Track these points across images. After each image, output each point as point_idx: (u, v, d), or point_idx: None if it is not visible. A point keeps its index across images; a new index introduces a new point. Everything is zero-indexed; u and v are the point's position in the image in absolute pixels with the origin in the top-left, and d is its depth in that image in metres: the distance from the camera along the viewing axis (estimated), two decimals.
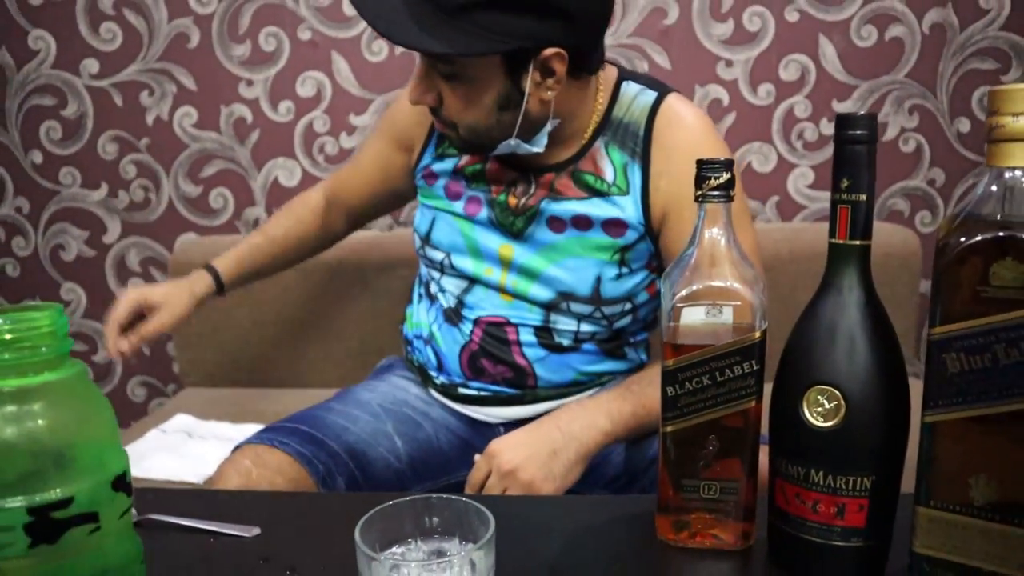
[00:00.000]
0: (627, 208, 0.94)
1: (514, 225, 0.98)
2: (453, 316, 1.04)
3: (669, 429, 0.57)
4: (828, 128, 1.72)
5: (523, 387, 1.02)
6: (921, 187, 1.75)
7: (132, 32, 1.75)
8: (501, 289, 1.00)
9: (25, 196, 1.85)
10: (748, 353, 0.55)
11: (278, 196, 1.79)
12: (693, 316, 0.56)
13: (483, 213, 1.00)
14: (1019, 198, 0.47)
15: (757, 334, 0.55)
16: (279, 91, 1.75)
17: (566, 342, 1.00)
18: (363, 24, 1.71)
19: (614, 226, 0.95)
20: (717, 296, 0.56)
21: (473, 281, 1.02)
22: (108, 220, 1.84)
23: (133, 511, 0.39)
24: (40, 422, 0.34)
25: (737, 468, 0.58)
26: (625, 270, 0.96)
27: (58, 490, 0.34)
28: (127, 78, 1.77)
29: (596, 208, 0.94)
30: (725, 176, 0.56)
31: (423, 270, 1.12)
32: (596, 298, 0.97)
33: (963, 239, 0.47)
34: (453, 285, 1.04)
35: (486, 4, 0.77)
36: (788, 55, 1.69)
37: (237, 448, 0.89)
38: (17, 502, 0.33)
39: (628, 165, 0.94)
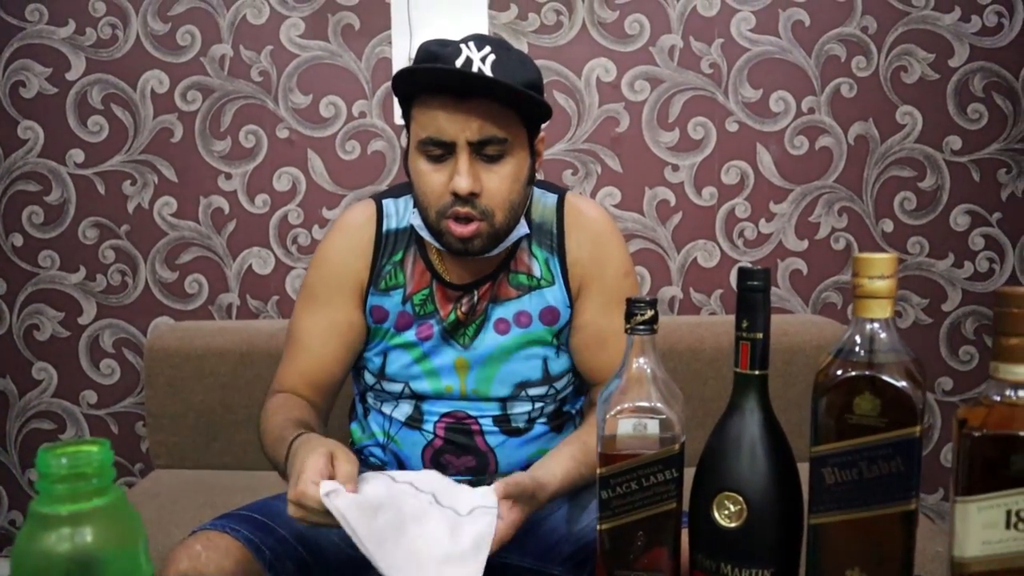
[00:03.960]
0: (556, 295, 1.07)
1: (465, 336, 1.06)
2: (412, 422, 1.09)
3: (604, 527, 0.67)
4: (766, 227, 1.87)
5: (484, 472, 1.09)
6: (852, 281, 1.90)
7: (119, 125, 1.85)
8: (462, 397, 1.08)
9: (2, 277, 1.91)
10: (669, 462, 0.65)
11: (252, 283, 1.88)
12: (623, 429, 0.66)
13: (435, 336, 1.06)
14: (877, 344, 0.58)
15: (677, 446, 0.65)
16: (256, 184, 1.86)
17: (522, 424, 1.09)
18: (338, 124, 1.84)
19: (548, 314, 1.07)
20: (644, 413, 0.66)
21: (432, 397, 1.09)
22: (84, 302, 1.90)
23: None
24: (88, 540, 0.43)
25: (662, 560, 0.67)
26: (563, 347, 1.09)
27: None
28: (111, 168, 1.86)
29: (531, 302, 1.07)
30: (650, 312, 0.67)
31: (370, 396, 1.14)
32: (547, 378, 1.08)
33: (836, 374, 0.59)
34: (409, 404, 1.09)
35: (537, 86, 0.98)
36: (729, 161, 1.86)
37: (192, 533, 0.95)
38: None
39: (549, 259, 1.08)
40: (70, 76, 1.84)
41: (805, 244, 1.88)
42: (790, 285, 1.89)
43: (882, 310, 0.59)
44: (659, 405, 0.66)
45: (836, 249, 1.89)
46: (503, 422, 1.09)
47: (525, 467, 1.10)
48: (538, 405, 1.10)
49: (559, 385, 1.10)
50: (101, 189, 1.87)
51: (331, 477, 0.79)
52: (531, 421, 1.10)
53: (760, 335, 0.64)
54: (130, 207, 1.87)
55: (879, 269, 0.59)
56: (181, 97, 1.84)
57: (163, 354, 1.67)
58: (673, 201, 1.86)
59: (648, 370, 0.67)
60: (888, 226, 1.88)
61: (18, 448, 1.95)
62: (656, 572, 0.67)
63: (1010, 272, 1.89)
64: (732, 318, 1.79)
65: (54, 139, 1.86)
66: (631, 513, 0.66)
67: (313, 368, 1.08)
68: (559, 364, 1.09)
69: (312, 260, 1.12)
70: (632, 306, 0.67)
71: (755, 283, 0.64)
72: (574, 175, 1.85)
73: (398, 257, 1.07)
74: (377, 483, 0.83)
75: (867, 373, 0.57)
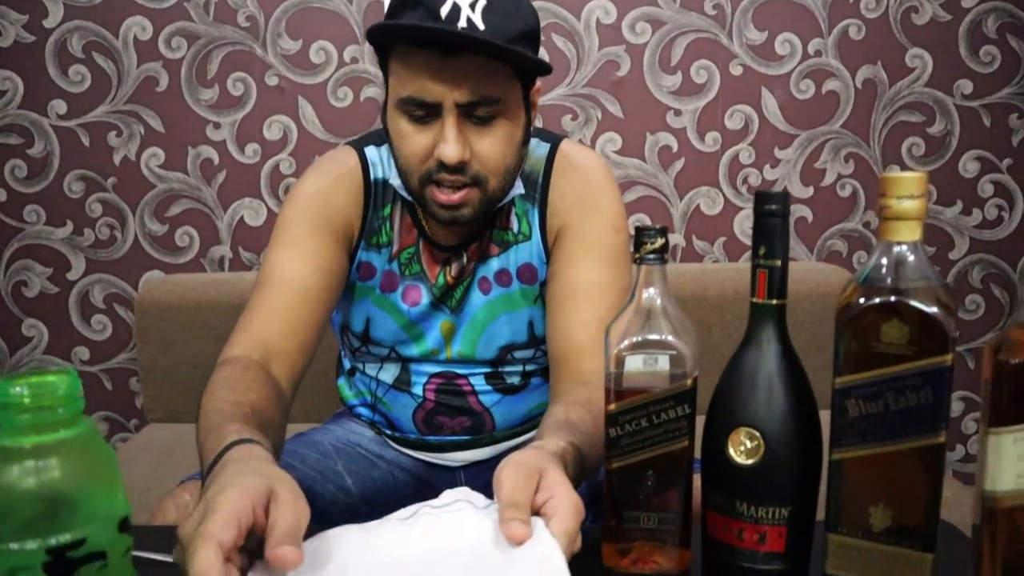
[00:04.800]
0: (532, 250, 0.98)
1: (453, 299, 1.00)
2: (400, 385, 1.05)
3: (612, 466, 0.64)
4: (771, 173, 1.83)
5: (481, 432, 1.06)
6: (857, 229, 1.86)
7: (101, 75, 1.79)
8: (448, 360, 1.03)
9: None
10: (681, 398, 0.62)
11: (244, 235, 1.83)
12: (632, 365, 0.63)
13: (424, 300, 0.99)
14: (905, 268, 0.55)
15: (689, 381, 0.62)
16: (246, 134, 1.80)
17: (516, 381, 1.05)
18: (329, 71, 1.78)
19: (527, 272, 0.99)
20: (654, 347, 0.62)
21: (419, 359, 1.03)
22: (72, 257, 1.86)
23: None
24: (55, 474, 0.39)
25: (673, 501, 0.64)
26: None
27: (72, 533, 0.39)
28: (95, 119, 1.80)
29: (509, 260, 0.99)
30: (660, 241, 0.63)
31: (353, 356, 1.08)
32: (533, 341, 1.02)
33: (860, 302, 0.55)
34: (396, 366, 1.05)
35: (534, 33, 0.86)
36: (733, 106, 1.80)
37: (181, 483, 0.91)
38: (35, 544, 0.38)
39: (529, 211, 0.98)
40: (48, 23, 1.77)
41: (811, 191, 1.84)
42: (795, 232, 1.85)
43: (910, 232, 0.55)
44: (670, 338, 0.62)
45: (842, 196, 1.84)
46: (496, 380, 1.04)
47: (524, 423, 1.07)
48: (529, 367, 1.05)
49: (547, 347, 1.04)
50: (86, 141, 1.81)
51: (256, 530, 0.50)
52: (526, 377, 1.05)
53: (779, 262, 0.60)
54: (116, 159, 1.82)
55: (908, 188, 0.55)
56: (165, 44, 1.77)
57: (154, 308, 1.64)
58: (675, 147, 1.81)
59: (658, 301, 0.63)
60: (894, 172, 1.83)
61: None
62: (667, 512, 0.64)
63: (1019, 220, 1.85)
64: (736, 266, 1.76)
65: (34, 90, 1.80)
66: (641, 452, 0.63)
67: (293, 308, 0.89)
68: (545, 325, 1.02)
69: (290, 199, 0.97)
70: (641, 234, 0.63)
71: (773, 207, 0.60)
72: (573, 121, 1.80)
73: (386, 211, 0.98)
74: (340, 545, 0.56)
75: (895, 299, 0.54)
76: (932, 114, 1.81)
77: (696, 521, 0.66)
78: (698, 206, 1.83)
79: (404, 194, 0.94)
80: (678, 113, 1.80)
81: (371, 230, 0.99)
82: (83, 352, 1.89)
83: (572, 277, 0.94)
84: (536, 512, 0.59)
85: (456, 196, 0.86)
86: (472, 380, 1.03)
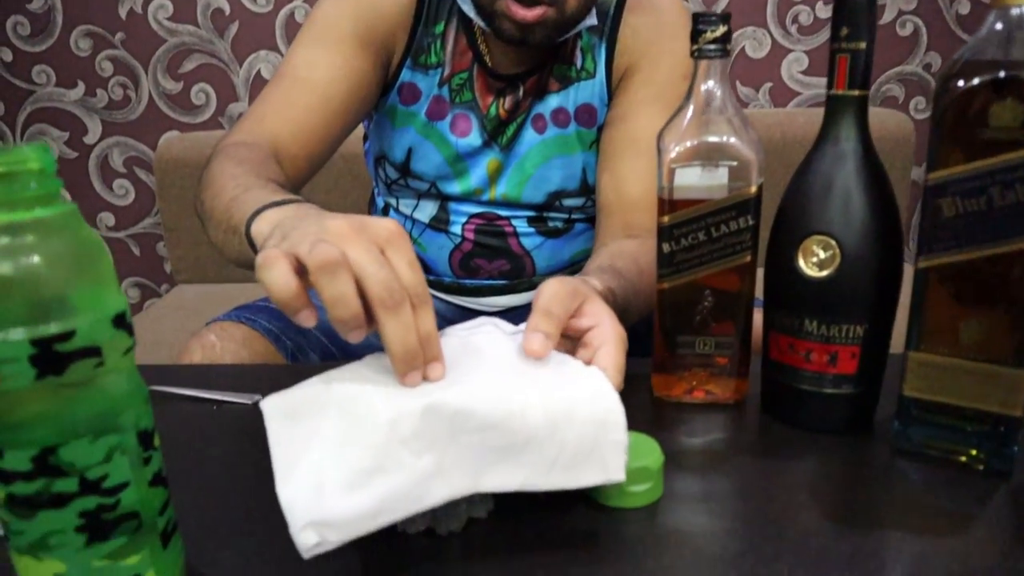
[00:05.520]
0: (594, 90, 0.91)
1: (504, 136, 0.92)
2: (438, 224, 0.99)
3: (665, 286, 0.58)
4: (824, 11, 1.67)
5: (520, 276, 1.01)
6: (917, 72, 1.72)
7: None
8: (491, 202, 0.96)
9: None
10: (744, 208, 0.55)
11: (262, 90, 1.75)
12: (689, 172, 0.56)
13: (474, 132, 0.92)
14: (1022, 38, 0.46)
15: (753, 189, 0.55)
16: None
17: (560, 225, 0.99)
18: None
19: (585, 113, 0.92)
20: (713, 152, 0.55)
21: (460, 198, 0.97)
22: (88, 120, 1.79)
23: None
24: (35, 258, 0.34)
25: (731, 325, 0.58)
26: None
27: (59, 323, 0.35)
28: None
29: (568, 98, 0.91)
30: (721, 29, 0.54)
31: (388, 191, 1.01)
32: (584, 189, 0.96)
33: (962, 82, 0.47)
34: (434, 204, 0.98)
35: None
36: None
37: (207, 325, 0.88)
38: (19, 334, 0.34)
39: (595, 47, 0.90)
40: None
41: None
42: None
43: None
44: (732, 140, 0.55)
45: (902, 35, 1.69)
46: (539, 223, 0.98)
47: (565, 268, 1.02)
48: (576, 215, 0.99)
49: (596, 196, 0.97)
50: None
51: None
52: (570, 221, 0.99)
53: (863, 44, 0.51)
54: (122, 12, 1.71)
55: None
56: None
57: (173, 166, 1.58)
58: None
59: (718, 98, 0.55)
60: (964, 7, 1.67)
61: None
62: (724, 337, 0.59)
63: None
64: (784, 110, 1.64)
65: None
66: (698, 269, 0.57)
67: (310, 112, 0.80)
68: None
69: None
70: (700, 21, 0.54)
71: None
72: None
73: (439, 29, 0.89)
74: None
75: (1009, 74, 0.45)
76: None
77: (755, 354, 0.60)
78: (743, 49, 1.70)
79: (468, 9, 0.84)
80: None
81: (419, 48, 0.89)
82: (108, 218, 1.86)
83: (634, 125, 0.87)
84: (578, 338, 0.54)
85: (531, 14, 0.77)
86: (514, 222, 0.98)
